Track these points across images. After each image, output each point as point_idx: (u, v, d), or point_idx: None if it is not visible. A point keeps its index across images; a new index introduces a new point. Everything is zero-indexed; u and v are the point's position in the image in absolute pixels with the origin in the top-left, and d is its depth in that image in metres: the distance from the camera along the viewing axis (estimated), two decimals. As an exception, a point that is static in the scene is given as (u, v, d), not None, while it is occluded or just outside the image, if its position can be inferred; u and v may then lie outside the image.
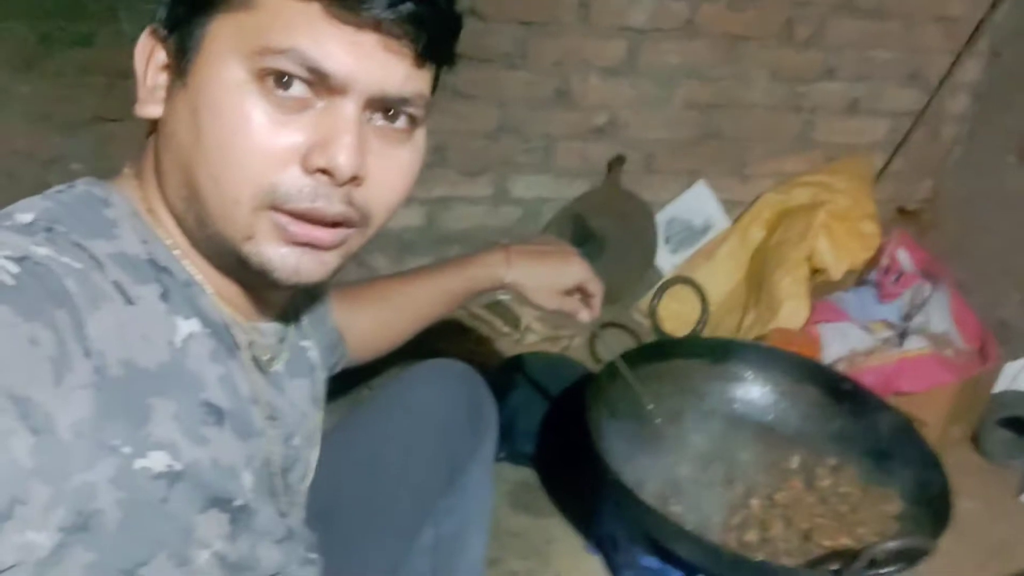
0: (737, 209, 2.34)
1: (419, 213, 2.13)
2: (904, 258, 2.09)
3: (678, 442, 1.46)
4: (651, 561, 1.29)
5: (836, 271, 2.09)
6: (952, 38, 2.28)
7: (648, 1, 2.04)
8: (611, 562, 1.49)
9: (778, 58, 2.19)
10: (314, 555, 0.89)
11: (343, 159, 0.58)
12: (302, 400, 0.79)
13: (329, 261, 0.64)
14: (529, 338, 2.06)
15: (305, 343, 0.82)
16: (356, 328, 1.05)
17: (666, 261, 2.32)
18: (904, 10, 2.24)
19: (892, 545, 1.07)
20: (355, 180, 0.60)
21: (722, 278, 2.23)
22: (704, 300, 1.54)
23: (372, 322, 1.08)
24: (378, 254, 2.11)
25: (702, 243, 2.31)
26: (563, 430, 1.68)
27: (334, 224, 0.62)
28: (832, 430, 1.50)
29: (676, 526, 1.17)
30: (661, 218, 2.30)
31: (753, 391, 1.57)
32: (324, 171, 0.58)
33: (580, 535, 1.58)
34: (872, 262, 2.14)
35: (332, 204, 0.60)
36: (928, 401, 1.75)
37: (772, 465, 1.43)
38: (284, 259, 0.61)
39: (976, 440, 1.91)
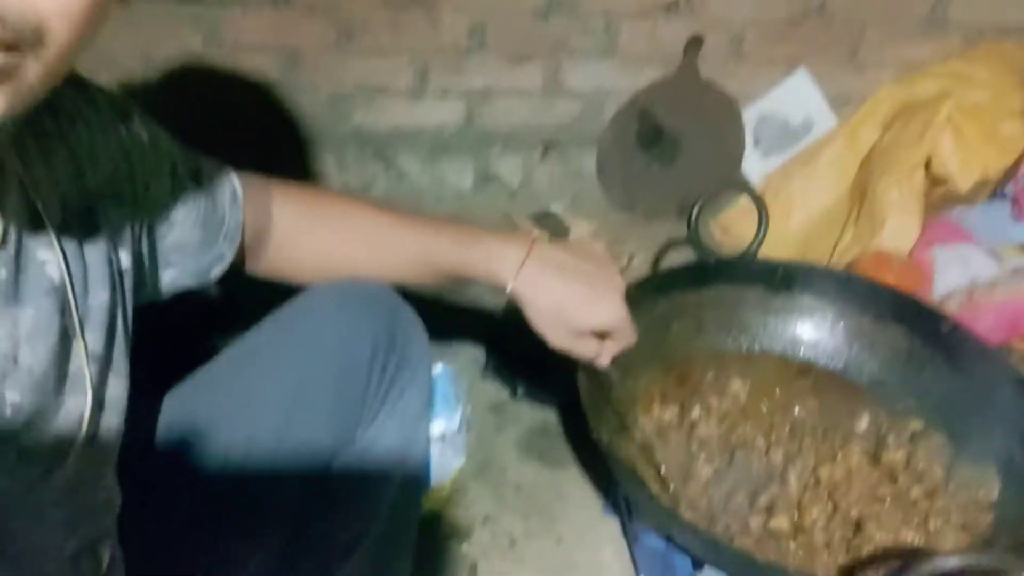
0: (846, 106, 2.07)
1: (456, 107, 1.94)
2: (1055, 168, 1.81)
3: (715, 388, 1.25)
4: (656, 541, 1.07)
5: (962, 181, 1.80)
6: None
7: None
8: (626, 530, 1.28)
9: (905, -90, 1.90)
10: None
11: None
12: (9, 336, 0.57)
13: None
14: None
15: (44, 255, 0.58)
16: (304, 245, 0.90)
17: (755, 167, 2.08)
18: None
19: (957, 560, 0.77)
20: None
21: (824, 190, 2.00)
22: (762, 210, 1.31)
23: (327, 247, 0.92)
24: (408, 155, 1.94)
25: (801, 146, 2.08)
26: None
27: None
28: (920, 385, 1.26)
29: (667, 509, 0.94)
30: (750, 115, 2.07)
31: (821, 329, 1.34)
32: None
33: (599, 494, 1.36)
34: (1011, 172, 1.86)
35: None
36: (1063, 351, 1.48)
37: (831, 426, 1.20)
38: None
39: None
